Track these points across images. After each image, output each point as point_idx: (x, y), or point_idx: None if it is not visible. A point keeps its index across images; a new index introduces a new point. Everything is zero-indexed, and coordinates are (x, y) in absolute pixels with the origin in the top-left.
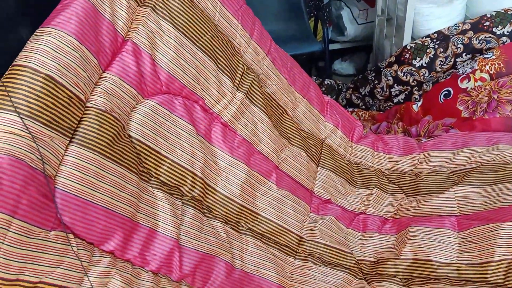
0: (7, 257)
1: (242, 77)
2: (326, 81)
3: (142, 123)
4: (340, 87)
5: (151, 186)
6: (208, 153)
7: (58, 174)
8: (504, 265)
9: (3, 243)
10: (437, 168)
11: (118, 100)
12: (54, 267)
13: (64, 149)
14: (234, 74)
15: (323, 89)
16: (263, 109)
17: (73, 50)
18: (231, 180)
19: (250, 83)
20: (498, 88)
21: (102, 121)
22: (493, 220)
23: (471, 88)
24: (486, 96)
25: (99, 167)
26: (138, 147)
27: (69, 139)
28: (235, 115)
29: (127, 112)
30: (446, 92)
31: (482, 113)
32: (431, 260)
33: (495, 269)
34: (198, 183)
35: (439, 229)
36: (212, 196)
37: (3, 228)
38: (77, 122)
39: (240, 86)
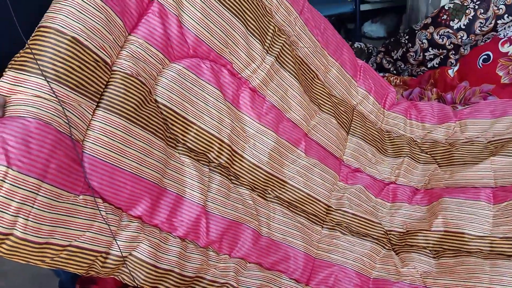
0: (37, 220)
1: (273, 39)
2: (356, 44)
3: (169, 88)
4: (370, 50)
5: (178, 152)
6: (235, 119)
7: (85, 139)
8: None
9: (32, 207)
10: (473, 137)
11: (144, 63)
12: (84, 231)
13: (91, 113)
14: (264, 37)
15: None
16: (294, 74)
17: (97, 11)
18: (259, 147)
19: (281, 46)
20: None
21: (128, 86)
22: None
23: None
24: None
25: (126, 132)
26: (164, 113)
27: (96, 104)
28: (264, 80)
29: (154, 76)
30: (485, 56)
31: None
32: (463, 233)
33: None
34: (225, 149)
35: (473, 201)
36: (239, 163)
37: (33, 192)
38: (103, 86)
39: (270, 49)
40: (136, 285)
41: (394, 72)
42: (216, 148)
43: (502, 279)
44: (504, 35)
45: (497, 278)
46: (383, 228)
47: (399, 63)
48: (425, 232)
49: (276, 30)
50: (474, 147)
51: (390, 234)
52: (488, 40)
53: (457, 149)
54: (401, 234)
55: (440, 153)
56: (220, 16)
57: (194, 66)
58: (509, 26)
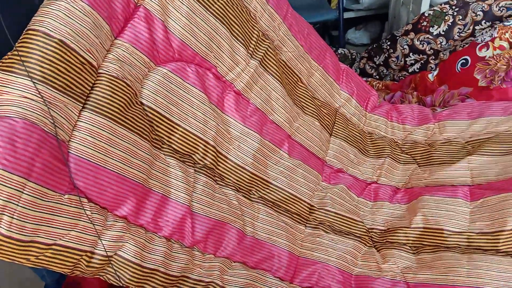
0: (22, 219)
1: (257, 44)
2: (340, 51)
3: (155, 90)
4: (354, 56)
5: (164, 154)
6: (220, 121)
7: (71, 139)
8: None
9: (17, 205)
10: (451, 138)
11: (130, 67)
12: (68, 230)
13: (77, 114)
14: (248, 41)
15: None
16: (278, 77)
17: (85, 15)
18: (243, 149)
19: (265, 51)
20: None
21: (114, 88)
22: (505, 190)
23: (489, 57)
24: (504, 65)
25: (112, 133)
26: (150, 115)
27: (82, 105)
28: (248, 84)
29: (140, 79)
30: (464, 61)
31: (499, 82)
32: (442, 229)
33: (506, 238)
34: (210, 151)
35: (451, 198)
36: (224, 164)
37: (18, 190)
38: (89, 88)
39: (254, 53)
40: (121, 284)
41: (377, 77)
42: (201, 150)
43: (479, 273)
44: (481, 40)
45: (474, 272)
46: (365, 226)
47: (381, 68)
48: (405, 229)
49: (260, 35)
50: (452, 147)
51: (371, 232)
52: (466, 45)
53: (436, 149)
54: (382, 231)
55: (419, 153)
56: (205, 21)
57: (179, 69)
58: (486, 32)
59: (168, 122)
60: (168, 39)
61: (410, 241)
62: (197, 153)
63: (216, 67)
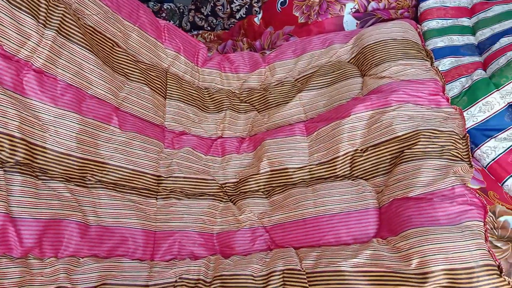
0: None
1: (49, 11)
2: (166, 5)
3: None
4: (182, 10)
5: None
6: (23, 108)
7: None
8: (349, 158)
9: None
10: (282, 79)
11: None
12: None
13: None
14: (36, 9)
15: (164, 14)
16: (85, 45)
17: None
18: (63, 133)
19: (61, 18)
20: None
21: None
22: (333, 118)
23: None
24: None
25: None
26: None
27: None
28: (49, 59)
29: None
30: (282, 0)
31: (315, 16)
32: (286, 168)
33: (341, 163)
34: (19, 145)
35: (290, 137)
36: (43, 156)
37: None
38: None
39: (47, 22)
40: None
41: (208, 28)
42: (7, 146)
43: (324, 201)
44: None
45: (319, 201)
46: (218, 183)
47: (210, 18)
48: (255, 176)
49: (51, 0)
50: (284, 87)
51: (225, 187)
52: None
53: (270, 92)
54: (235, 184)
55: (257, 99)
56: None
57: None
58: None
59: None
60: None
61: (262, 187)
62: (3, 151)
63: (1, 46)
